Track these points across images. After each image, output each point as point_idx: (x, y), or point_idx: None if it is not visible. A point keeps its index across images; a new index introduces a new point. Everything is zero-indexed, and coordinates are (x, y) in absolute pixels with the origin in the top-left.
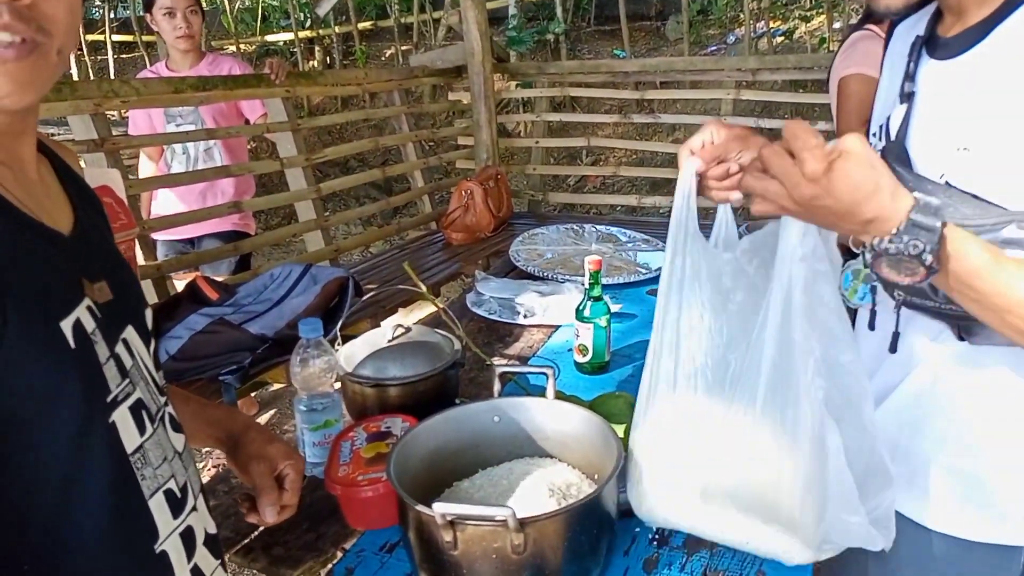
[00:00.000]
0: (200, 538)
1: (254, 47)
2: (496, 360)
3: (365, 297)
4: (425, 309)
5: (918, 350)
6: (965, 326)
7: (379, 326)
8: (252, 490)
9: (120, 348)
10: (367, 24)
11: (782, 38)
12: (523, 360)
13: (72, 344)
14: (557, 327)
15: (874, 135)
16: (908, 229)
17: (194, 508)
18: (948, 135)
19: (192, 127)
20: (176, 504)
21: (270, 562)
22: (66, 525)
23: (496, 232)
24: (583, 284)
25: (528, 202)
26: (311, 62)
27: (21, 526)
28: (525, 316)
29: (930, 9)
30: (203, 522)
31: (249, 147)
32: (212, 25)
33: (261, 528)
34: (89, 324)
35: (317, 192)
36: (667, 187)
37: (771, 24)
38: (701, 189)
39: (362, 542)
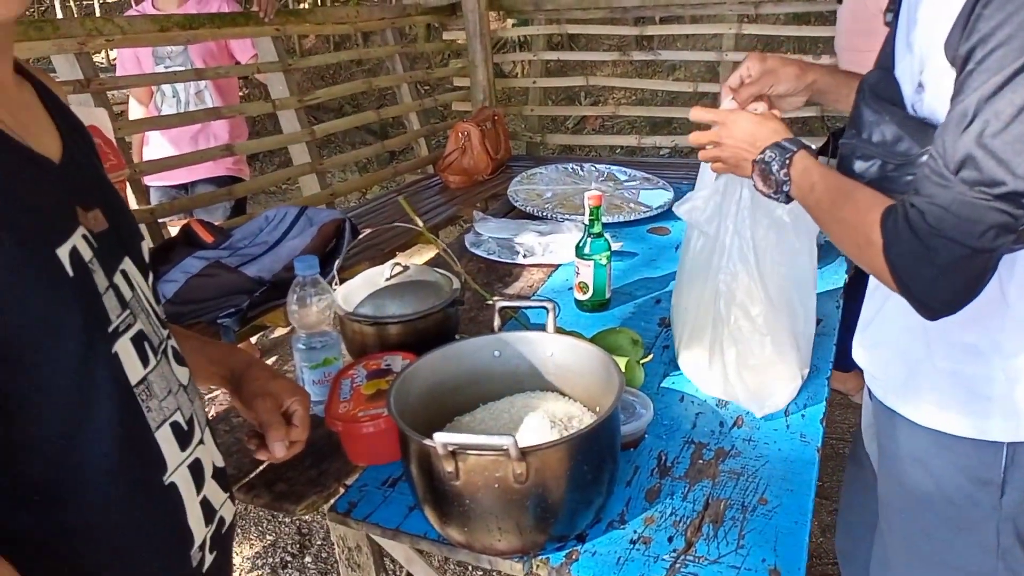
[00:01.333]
0: (208, 471)
1: None
2: (496, 298)
3: (361, 237)
4: (425, 254)
5: None
6: None
7: None
8: (258, 427)
9: (119, 279)
10: None
11: None
12: (523, 299)
13: (70, 272)
14: (557, 266)
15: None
16: (771, 147)
17: (201, 441)
18: (909, 71)
19: (181, 68)
20: (183, 436)
21: (273, 498)
22: (73, 457)
23: (494, 175)
24: (583, 223)
25: (526, 144)
26: (303, 3)
27: (28, 457)
28: (524, 256)
29: None
30: (211, 455)
31: (241, 92)
32: None
33: (263, 465)
34: (86, 252)
35: (311, 135)
36: (667, 127)
37: None
38: None
39: (364, 477)
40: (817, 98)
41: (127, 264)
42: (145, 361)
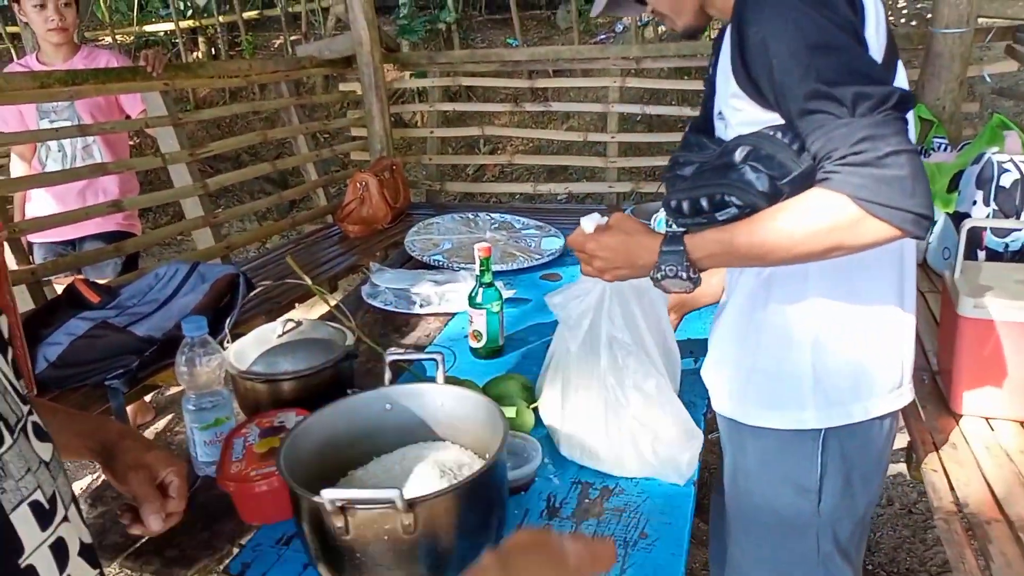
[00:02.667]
0: (74, 548)
1: (131, 38)
2: (391, 350)
3: (255, 292)
4: (323, 307)
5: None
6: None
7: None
8: (132, 501)
9: None
10: (253, 13)
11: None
12: (420, 349)
13: None
14: (453, 315)
15: None
16: (663, 258)
17: (65, 518)
18: (715, 107)
19: (68, 123)
20: (43, 515)
21: (163, 564)
22: None
23: (394, 223)
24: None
25: (426, 192)
26: (195, 53)
27: None
28: (421, 305)
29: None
30: (77, 532)
31: (132, 143)
32: (84, 14)
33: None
34: None
35: (204, 188)
36: (563, 174)
37: None
38: None
39: (258, 536)
40: None
41: None
42: (6, 437)
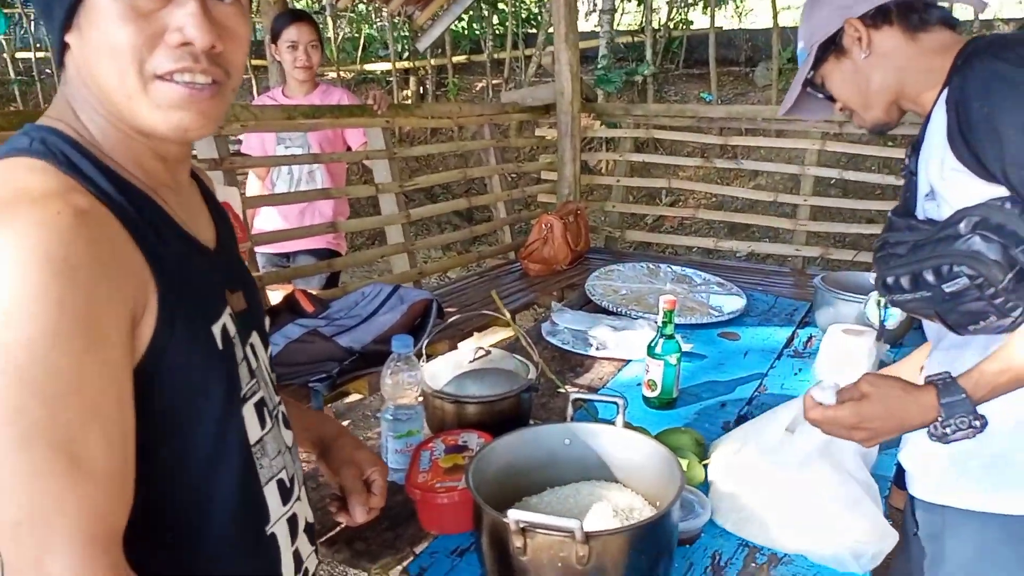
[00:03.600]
0: (301, 525)
1: (352, 75)
2: (568, 388)
3: (447, 320)
4: (499, 334)
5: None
6: None
7: (456, 348)
8: (341, 492)
9: (248, 351)
10: (461, 58)
11: None
12: (593, 390)
13: (220, 346)
14: (627, 361)
15: None
16: (948, 412)
17: (298, 498)
18: (921, 192)
19: (300, 150)
20: (285, 493)
21: (352, 555)
22: (203, 504)
23: (572, 266)
24: (655, 321)
25: (605, 238)
26: (405, 91)
27: (167, 504)
28: (597, 348)
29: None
30: (305, 511)
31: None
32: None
33: (343, 525)
34: (231, 329)
35: (407, 217)
36: (744, 231)
37: None
38: None
39: (435, 545)
40: None
41: (254, 338)
42: (263, 424)
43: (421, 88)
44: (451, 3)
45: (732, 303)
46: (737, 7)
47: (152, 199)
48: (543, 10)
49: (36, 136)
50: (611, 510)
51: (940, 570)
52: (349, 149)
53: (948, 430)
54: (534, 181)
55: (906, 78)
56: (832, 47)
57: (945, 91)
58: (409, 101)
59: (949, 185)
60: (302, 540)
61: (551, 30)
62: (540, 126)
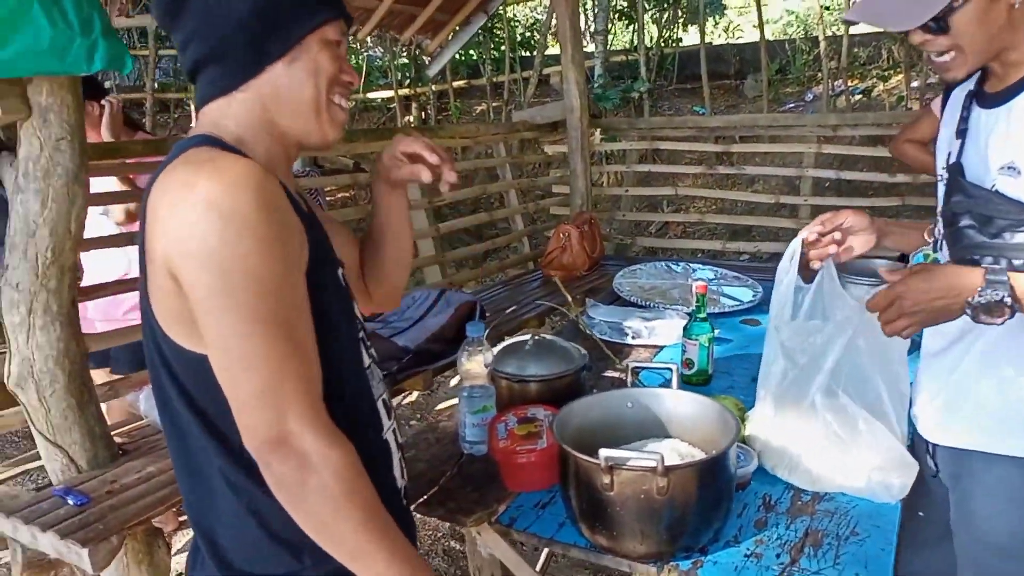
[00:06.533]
0: (398, 442)
1: (354, 103)
2: (630, 360)
3: (490, 322)
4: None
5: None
6: None
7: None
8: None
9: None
10: (461, 82)
11: (860, 96)
12: (633, 373)
13: (343, 284)
14: (661, 347)
15: (942, 168)
16: (989, 284)
17: (393, 421)
18: (994, 159)
19: None
20: (388, 411)
21: (446, 512)
22: (358, 402)
23: (590, 271)
24: (683, 311)
25: (616, 246)
26: (407, 117)
27: (340, 394)
28: (632, 337)
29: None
30: (397, 435)
31: None
32: None
33: (436, 488)
34: (342, 278)
35: (436, 231)
36: (746, 234)
37: (849, 83)
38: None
39: (519, 500)
40: (882, 239)
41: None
42: (367, 354)
43: (423, 114)
44: (459, 31)
45: (748, 293)
46: (717, 23)
47: (282, 182)
48: (536, 33)
49: (198, 139)
50: (677, 456)
51: (965, 509)
52: None
53: (982, 299)
54: (540, 196)
55: (1020, 37)
56: None
57: None
58: (413, 125)
59: None
60: (399, 456)
61: (548, 51)
62: (542, 143)
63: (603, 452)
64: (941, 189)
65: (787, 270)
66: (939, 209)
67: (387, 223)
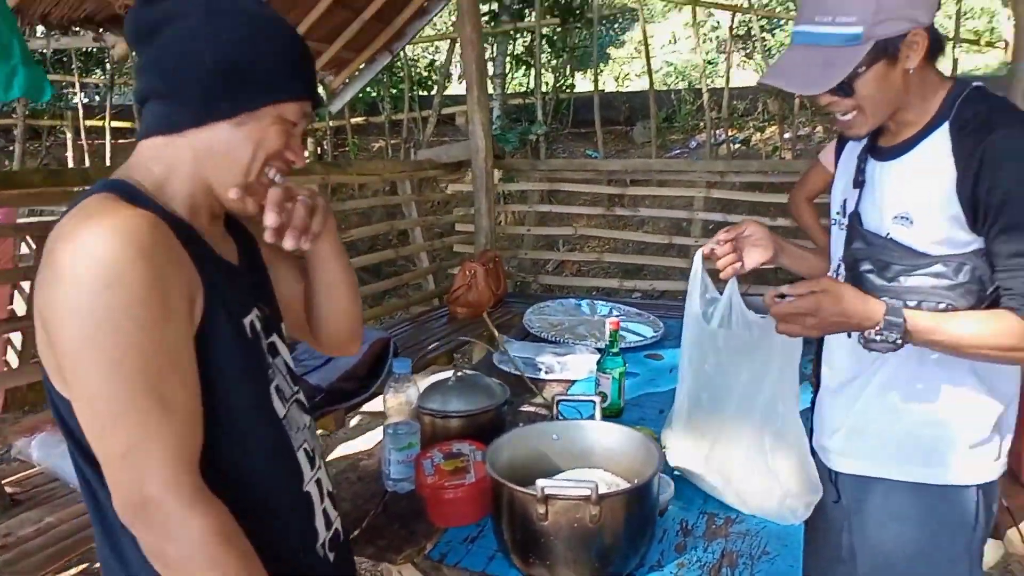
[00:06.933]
0: (326, 490)
1: None
2: (557, 393)
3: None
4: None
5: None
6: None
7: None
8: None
9: (267, 346)
10: (359, 119)
11: (739, 145)
12: (548, 408)
13: (249, 335)
14: (573, 381)
15: (837, 213)
16: (887, 325)
17: (321, 467)
18: (888, 209)
19: None
20: (310, 460)
21: (377, 550)
22: (253, 457)
23: (495, 308)
24: (592, 346)
25: (519, 283)
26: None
27: (243, 449)
28: (546, 372)
29: None
30: (325, 480)
31: None
32: None
33: (364, 524)
34: (258, 325)
35: None
36: (638, 273)
37: (729, 132)
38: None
39: (448, 536)
40: (779, 254)
41: (274, 337)
42: (284, 403)
43: (319, 149)
44: (364, 68)
45: (650, 330)
46: (602, 70)
47: (194, 228)
48: (434, 73)
49: (110, 184)
50: (604, 485)
51: (867, 532)
52: None
53: (878, 337)
54: (440, 235)
55: (914, 99)
56: (887, 48)
57: (943, 126)
58: (308, 160)
59: (939, 227)
60: (327, 504)
61: (446, 92)
62: (440, 181)
63: (540, 482)
64: (836, 233)
65: (695, 287)
66: (840, 254)
67: (311, 273)
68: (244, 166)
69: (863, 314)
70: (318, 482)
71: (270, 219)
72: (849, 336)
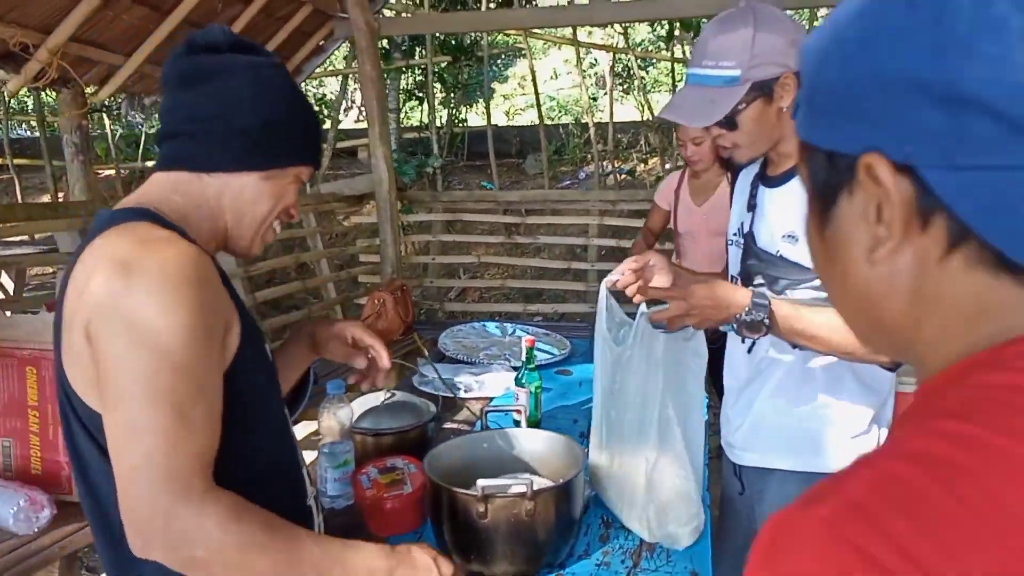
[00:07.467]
0: (319, 507)
1: (128, 172)
2: (486, 406)
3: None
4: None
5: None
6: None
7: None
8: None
9: None
10: None
11: (625, 175)
12: (469, 424)
13: (270, 358)
14: (491, 398)
15: (734, 234)
16: (754, 307)
17: (314, 488)
18: (778, 229)
19: None
20: (308, 477)
21: None
22: (289, 467)
23: (404, 336)
24: (507, 365)
25: (426, 310)
26: None
27: (241, 472)
28: (465, 391)
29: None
30: (318, 500)
31: None
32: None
33: None
34: (271, 352)
35: (253, 300)
36: (539, 297)
37: (616, 164)
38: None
39: (389, 543)
40: (676, 280)
41: None
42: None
43: None
44: None
45: (558, 347)
46: (486, 105)
47: (214, 259)
48: (326, 107)
49: (139, 211)
50: (534, 487)
51: (763, 517)
52: None
53: (748, 319)
54: (340, 267)
55: (790, 134)
56: (763, 88)
57: None
58: None
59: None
60: (320, 517)
61: (340, 126)
62: (339, 213)
63: (480, 482)
64: (733, 251)
65: (602, 313)
66: (737, 269)
67: (281, 370)
68: (263, 215)
69: (732, 298)
70: (315, 498)
71: (383, 358)
72: (743, 342)
